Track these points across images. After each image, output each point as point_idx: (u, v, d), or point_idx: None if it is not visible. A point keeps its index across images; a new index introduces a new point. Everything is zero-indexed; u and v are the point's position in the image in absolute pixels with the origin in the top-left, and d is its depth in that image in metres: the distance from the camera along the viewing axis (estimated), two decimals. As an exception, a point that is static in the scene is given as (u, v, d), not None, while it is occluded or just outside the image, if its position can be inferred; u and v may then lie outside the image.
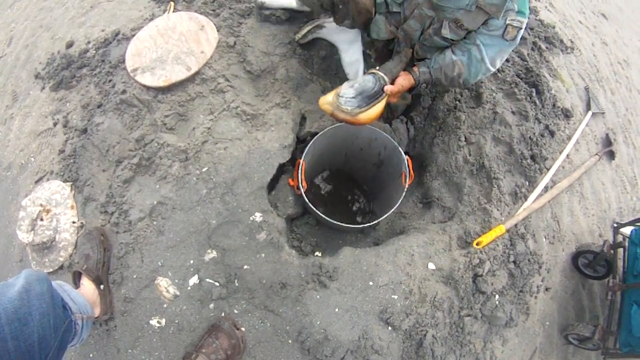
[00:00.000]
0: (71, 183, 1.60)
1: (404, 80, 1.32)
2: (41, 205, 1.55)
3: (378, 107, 1.29)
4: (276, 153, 1.33)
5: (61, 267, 1.48)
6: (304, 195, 1.29)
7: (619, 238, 1.74)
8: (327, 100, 1.29)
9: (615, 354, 1.59)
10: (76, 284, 1.32)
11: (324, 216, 1.26)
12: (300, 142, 1.46)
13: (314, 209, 1.26)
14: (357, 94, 1.27)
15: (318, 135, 1.34)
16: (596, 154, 1.93)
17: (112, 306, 1.35)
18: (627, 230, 1.74)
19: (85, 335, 1.11)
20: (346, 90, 1.28)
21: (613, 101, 2.29)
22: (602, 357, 1.67)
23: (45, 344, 0.83)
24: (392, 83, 1.31)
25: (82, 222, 1.51)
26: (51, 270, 1.48)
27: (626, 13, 3.12)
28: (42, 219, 1.53)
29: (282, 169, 1.43)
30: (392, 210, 1.28)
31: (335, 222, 1.29)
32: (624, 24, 2.95)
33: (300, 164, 1.31)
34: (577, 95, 2.02)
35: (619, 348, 1.57)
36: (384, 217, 1.28)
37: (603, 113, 2.13)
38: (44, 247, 1.50)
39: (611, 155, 2.07)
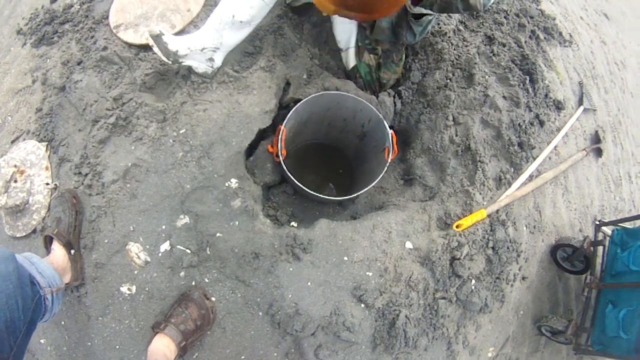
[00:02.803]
0: (47, 143, 1.54)
1: None
2: (15, 166, 1.49)
3: None
4: (257, 118, 1.28)
5: (34, 231, 1.43)
6: (282, 162, 1.24)
7: (600, 236, 1.74)
8: None
9: (586, 351, 1.60)
10: (47, 248, 1.28)
11: (301, 185, 1.22)
12: (283, 108, 1.41)
13: (292, 177, 1.22)
14: None
15: (301, 102, 1.30)
16: (584, 150, 1.92)
17: (83, 272, 1.30)
18: (608, 229, 1.74)
19: (56, 309, 1.08)
20: None
21: (606, 100, 2.28)
22: (572, 351, 1.68)
23: (13, 327, 0.79)
24: None
25: (55, 184, 1.46)
26: (24, 234, 1.43)
27: (628, 17, 3.10)
28: (15, 181, 1.48)
29: (262, 135, 1.39)
30: (373, 184, 1.24)
31: (313, 192, 1.25)
32: (625, 27, 2.93)
33: (281, 130, 1.26)
34: (570, 89, 2.00)
35: (591, 345, 1.58)
36: (364, 190, 1.24)
37: (595, 110, 2.12)
38: (17, 210, 1.44)
39: (599, 152, 2.06)
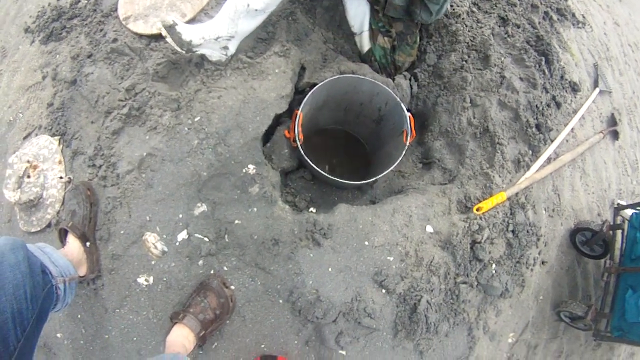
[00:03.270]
0: (59, 137, 1.54)
1: None
2: (28, 161, 1.49)
3: None
4: (272, 103, 1.26)
5: (49, 225, 1.43)
6: (300, 147, 1.23)
7: (619, 220, 1.71)
8: None
9: (606, 337, 1.58)
10: (62, 241, 1.27)
11: (320, 170, 1.20)
12: (299, 93, 1.40)
13: (310, 162, 1.20)
14: None
15: (317, 86, 1.28)
16: (600, 132, 1.89)
17: (99, 264, 1.30)
18: (628, 213, 1.71)
19: (69, 299, 1.07)
20: None
21: (621, 82, 2.24)
22: (591, 337, 1.66)
23: (21, 317, 0.78)
24: None
25: (69, 177, 1.45)
26: (39, 229, 1.42)
27: (642, -1, 3.04)
28: (29, 176, 1.48)
29: (278, 121, 1.37)
30: (392, 167, 1.22)
31: (332, 177, 1.23)
32: (637, 8, 2.88)
33: (298, 115, 1.24)
34: (585, 71, 1.96)
35: (610, 331, 1.55)
36: (384, 173, 1.22)
37: (610, 92, 2.08)
38: (31, 205, 1.44)
39: (615, 135, 2.03)
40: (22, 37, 1.95)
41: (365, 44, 1.50)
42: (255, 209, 1.22)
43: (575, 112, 1.75)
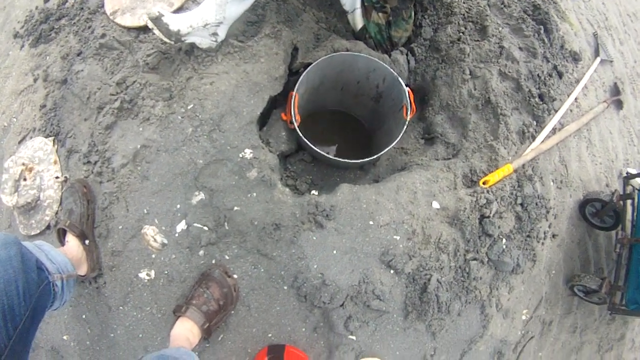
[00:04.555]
0: (53, 137, 1.52)
1: None
2: (23, 164, 1.47)
3: None
4: (266, 85, 1.23)
5: (48, 227, 1.41)
6: (297, 128, 1.19)
7: (629, 189, 1.67)
8: None
9: (621, 310, 1.53)
10: (62, 242, 1.24)
11: (319, 151, 1.17)
12: (293, 74, 1.36)
13: (309, 143, 1.16)
14: None
15: (311, 65, 1.24)
16: (604, 101, 1.85)
17: (100, 262, 1.27)
18: (638, 182, 1.66)
19: (67, 297, 1.04)
20: None
21: (622, 51, 2.19)
22: (606, 311, 1.62)
23: (12, 314, 0.75)
24: None
25: (65, 176, 1.43)
26: (38, 231, 1.41)
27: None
28: (25, 179, 1.46)
29: (274, 104, 1.34)
30: (394, 143, 1.19)
31: (332, 157, 1.20)
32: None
33: (293, 96, 1.21)
34: (585, 40, 1.92)
35: (626, 304, 1.51)
36: (385, 150, 1.19)
37: (611, 61, 2.03)
38: (29, 208, 1.42)
39: (619, 104, 1.98)
40: (12, 43, 1.94)
41: (358, 22, 1.47)
42: (254, 194, 1.19)
43: (577, 81, 1.70)
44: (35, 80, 1.69)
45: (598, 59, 1.90)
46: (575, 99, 1.66)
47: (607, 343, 1.86)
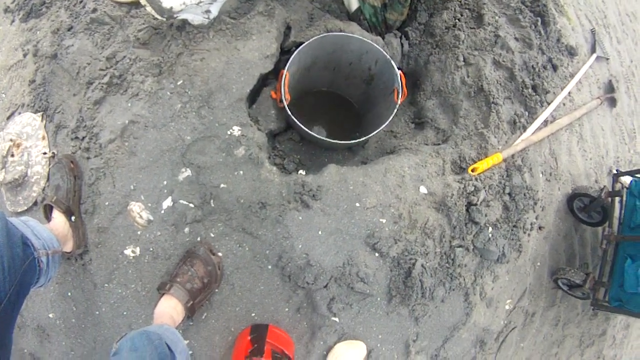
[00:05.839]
0: (42, 112, 1.50)
1: None
2: (11, 140, 1.45)
3: None
4: (257, 63, 1.21)
5: (35, 203, 1.39)
6: (286, 107, 1.18)
7: (618, 186, 1.67)
8: None
9: (604, 307, 1.55)
10: (48, 218, 1.23)
11: (308, 130, 1.16)
12: (285, 53, 1.35)
13: (297, 122, 1.15)
14: None
15: (304, 44, 1.23)
16: (598, 98, 1.85)
17: (86, 238, 1.26)
18: (626, 180, 1.67)
19: (53, 273, 1.03)
20: None
21: (618, 50, 2.19)
22: (589, 307, 1.63)
23: None
24: None
25: (53, 152, 1.42)
26: (26, 208, 1.39)
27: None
28: (12, 155, 1.45)
29: (264, 82, 1.32)
30: (384, 126, 1.18)
31: (321, 137, 1.19)
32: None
33: (284, 75, 1.20)
34: (582, 36, 1.92)
35: (609, 301, 1.52)
36: (375, 132, 1.18)
37: (607, 59, 2.03)
38: (16, 185, 1.40)
39: (612, 102, 1.99)
40: (2, 17, 1.90)
41: (353, 3, 1.45)
42: (241, 172, 1.18)
43: (572, 76, 1.70)
44: (24, 55, 1.66)
45: (594, 56, 1.90)
46: (569, 93, 1.66)
47: (589, 338, 1.88)
